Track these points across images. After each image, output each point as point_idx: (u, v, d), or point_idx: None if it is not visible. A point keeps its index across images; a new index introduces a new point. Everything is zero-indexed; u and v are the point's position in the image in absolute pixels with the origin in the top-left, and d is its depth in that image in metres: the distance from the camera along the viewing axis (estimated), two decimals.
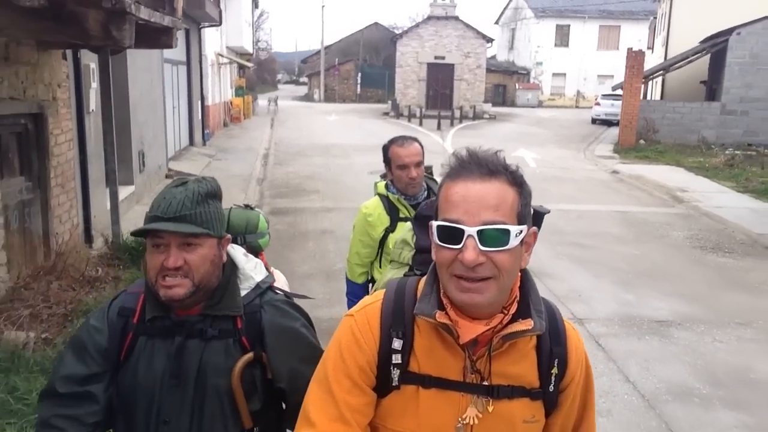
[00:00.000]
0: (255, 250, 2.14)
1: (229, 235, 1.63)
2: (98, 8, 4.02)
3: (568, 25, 41.68)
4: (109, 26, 4.10)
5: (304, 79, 59.87)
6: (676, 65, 21.45)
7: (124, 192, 8.48)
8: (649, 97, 26.75)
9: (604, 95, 28.21)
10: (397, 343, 1.28)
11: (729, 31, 19.65)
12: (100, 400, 1.54)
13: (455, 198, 1.20)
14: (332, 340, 1.34)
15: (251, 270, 1.64)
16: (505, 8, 47.63)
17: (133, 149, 9.83)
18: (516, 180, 1.22)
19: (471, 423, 1.27)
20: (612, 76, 36.90)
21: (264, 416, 1.60)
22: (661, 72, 22.59)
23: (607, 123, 25.99)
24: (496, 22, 49.67)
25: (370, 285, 3.15)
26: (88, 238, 7.15)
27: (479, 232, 1.16)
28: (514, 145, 18.32)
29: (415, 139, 2.92)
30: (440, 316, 1.23)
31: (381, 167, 3.03)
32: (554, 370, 1.31)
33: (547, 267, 7.01)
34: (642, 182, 13.56)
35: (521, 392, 1.29)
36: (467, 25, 33.19)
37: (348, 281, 3.20)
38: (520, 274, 1.29)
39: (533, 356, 1.31)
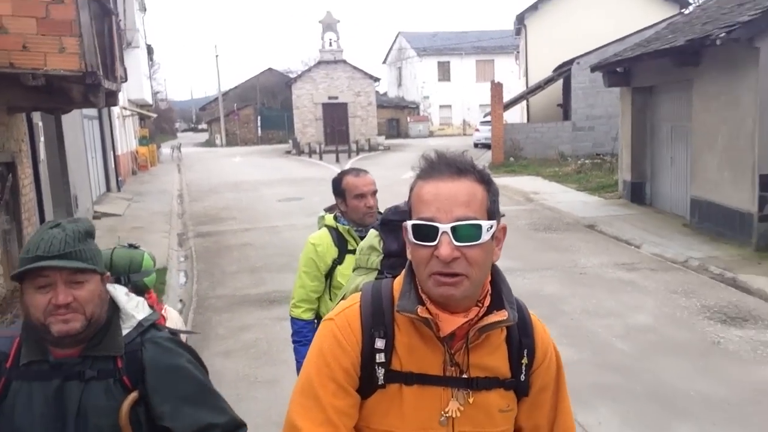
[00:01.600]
0: (141, 290, 2.17)
1: (108, 273, 1.65)
2: (81, 83, 5.92)
3: (448, 62, 45.76)
4: (88, 95, 5.99)
5: (203, 125, 60.82)
6: (533, 92, 25.04)
7: None
8: (520, 120, 30.50)
9: (482, 122, 31.51)
10: (380, 343, 1.30)
11: (572, 62, 23.37)
12: None
13: (428, 197, 1.24)
14: (312, 347, 1.36)
15: (133, 309, 1.63)
16: (390, 49, 51.29)
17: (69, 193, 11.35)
18: (483, 178, 1.28)
19: (453, 416, 1.31)
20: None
21: None
22: (522, 98, 26.15)
23: (487, 146, 28.95)
24: (384, 62, 53.24)
25: (316, 322, 2.99)
26: None
27: (453, 228, 1.21)
28: (404, 169, 20.82)
29: (366, 171, 2.95)
30: (422, 311, 1.26)
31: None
32: (524, 360, 1.37)
33: None
34: (505, 190, 16.36)
35: (496, 383, 1.34)
36: (355, 68, 36.00)
37: (293, 321, 3.04)
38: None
39: (504, 348, 1.36)
